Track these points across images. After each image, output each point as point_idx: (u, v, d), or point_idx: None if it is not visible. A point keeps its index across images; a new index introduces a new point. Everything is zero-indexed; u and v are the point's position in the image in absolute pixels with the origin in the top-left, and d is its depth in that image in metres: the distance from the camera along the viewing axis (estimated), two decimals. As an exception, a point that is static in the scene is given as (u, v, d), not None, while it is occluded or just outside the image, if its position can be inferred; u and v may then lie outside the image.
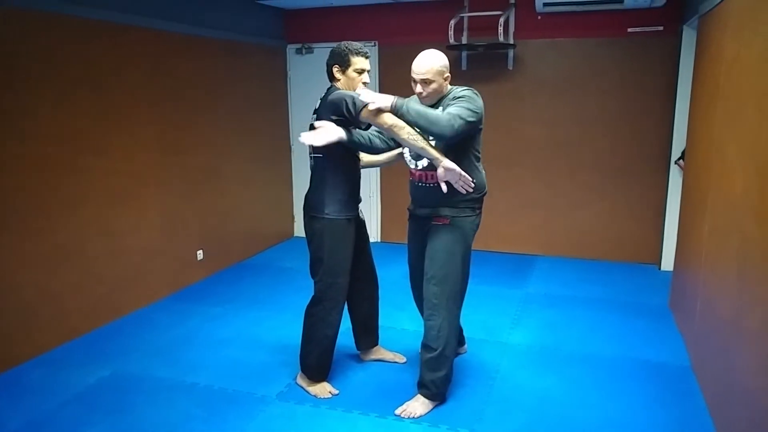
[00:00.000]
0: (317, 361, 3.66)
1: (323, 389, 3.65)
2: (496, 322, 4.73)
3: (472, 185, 3.18)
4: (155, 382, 3.83)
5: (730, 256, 3.04)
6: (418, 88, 3.26)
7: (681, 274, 4.60)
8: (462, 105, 3.16)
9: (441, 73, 3.23)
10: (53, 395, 3.66)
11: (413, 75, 3.25)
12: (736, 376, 2.83)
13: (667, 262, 5.82)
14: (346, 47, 3.39)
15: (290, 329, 4.53)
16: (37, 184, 4.08)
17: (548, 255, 6.58)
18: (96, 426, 3.33)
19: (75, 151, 4.34)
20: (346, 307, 3.81)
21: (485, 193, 3.44)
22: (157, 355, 4.21)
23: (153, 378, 3.88)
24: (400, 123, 3.15)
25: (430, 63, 3.21)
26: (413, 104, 3.17)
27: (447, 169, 3.12)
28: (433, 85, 3.23)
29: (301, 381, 3.73)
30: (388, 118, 3.15)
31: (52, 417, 3.43)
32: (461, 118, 3.09)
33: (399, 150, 3.60)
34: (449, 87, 3.35)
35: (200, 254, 5.78)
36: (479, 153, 3.38)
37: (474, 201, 3.37)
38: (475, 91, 3.28)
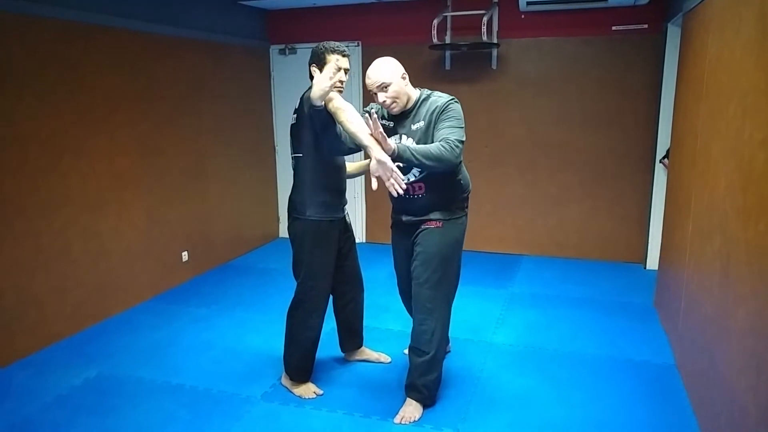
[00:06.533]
0: (299, 363, 3.64)
1: (308, 390, 3.63)
2: (481, 322, 4.73)
3: (404, 186, 2.97)
4: (140, 383, 3.80)
5: (714, 254, 3.05)
6: (381, 97, 3.21)
7: (665, 273, 4.61)
8: (453, 125, 3.12)
9: (396, 74, 3.18)
10: (36, 398, 3.62)
11: (370, 88, 3.22)
12: (720, 374, 2.84)
13: (652, 261, 5.85)
14: (323, 46, 3.35)
15: (275, 330, 4.51)
16: (17, 187, 4.03)
17: (533, 254, 6.59)
18: (78, 428, 3.30)
19: (55, 153, 4.29)
20: (331, 308, 3.79)
21: (470, 191, 3.45)
22: (142, 356, 4.18)
23: (138, 379, 3.85)
24: (343, 106, 3.08)
25: (381, 68, 3.19)
26: (415, 145, 3.08)
27: (380, 162, 2.92)
28: (393, 88, 3.17)
29: (286, 382, 3.71)
30: (337, 101, 3.11)
31: (34, 419, 3.39)
32: (460, 141, 3.08)
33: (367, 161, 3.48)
34: (423, 91, 3.31)
35: (185, 256, 5.74)
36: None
37: (463, 201, 3.37)
38: (455, 99, 3.25)
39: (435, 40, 6.07)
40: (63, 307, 4.44)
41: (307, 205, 3.40)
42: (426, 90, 3.34)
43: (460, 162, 3.26)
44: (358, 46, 6.65)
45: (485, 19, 5.84)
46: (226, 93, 6.28)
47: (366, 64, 6.43)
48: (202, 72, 5.86)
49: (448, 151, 3.02)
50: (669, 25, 5.38)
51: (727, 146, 2.94)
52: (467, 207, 3.43)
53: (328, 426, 3.32)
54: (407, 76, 3.26)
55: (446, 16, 6.24)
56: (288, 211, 3.54)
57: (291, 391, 3.65)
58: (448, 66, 6.44)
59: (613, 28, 5.89)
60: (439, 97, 3.25)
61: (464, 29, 6.22)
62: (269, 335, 4.46)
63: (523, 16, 6.08)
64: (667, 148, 5.43)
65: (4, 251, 3.98)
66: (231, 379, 3.84)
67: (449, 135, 3.08)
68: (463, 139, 3.12)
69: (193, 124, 5.77)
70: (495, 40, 6.16)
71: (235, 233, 6.63)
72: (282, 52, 6.97)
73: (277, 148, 7.23)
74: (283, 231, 7.32)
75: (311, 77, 3.40)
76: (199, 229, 5.96)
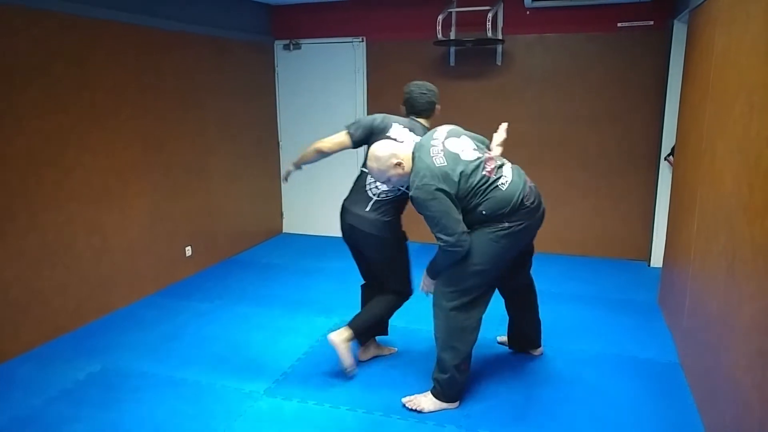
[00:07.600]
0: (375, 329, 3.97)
1: (367, 352, 4.00)
2: (483, 319, 4.70)
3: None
4: (144, 378, 3.80)
5: (719, 252, 3.03)
6: (384, 188, 3.54)
7: (670, 271, 4.60)
8: (431, 223, 3.15)
9: (388, 169, 3.23)
10: (40, 391, 3.63)
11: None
12: (724, 372, 2.83)
13: (657, 259, 5.83)
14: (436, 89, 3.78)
15: (278, 325, 4.52)
16: (22, 181, 4.04)
17: (536, 251, 6.55)
18: (82, 422, 3.30)
19: (60, 148, 4.29)
20: (358, 301, 4.02)
21: (510, 209, 3.21)
22: (146, 351, 4.18)
23: (141, 374, 3.85)
24: None
25: (375, 169, 3.27)
26: (431, 268, 3.37)
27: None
28: (392, 181, 3.30)
29: (338, 339, 3.67)
30: None
31: (38, 413, 3.40)
32: (448, 235, 3.10)
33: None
34: (414, 155, 3.26)
35: (188, 250, 5.74)
36: (478, 195, 3.17)
37: (498, 220, 3.21)
38: (420, 185, 3.12)
39: (440, 36, 6.05)
40: (67, 300, 4.45)
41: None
42: (415, 152, 3.26)
43: (476, 208, 3.19)
44: (362, 41, 6.63)
45: (490, 15, 5.82)
46: (231, 88, 6.27)
47: (370, 61, 6.51)
48: (206, 67, 5.86)
49: (450, 253, 3.17)
50: (675, 21, 5.36)
51: (734, 143, 2.93)
52: (509, 221, 3.24)
53: (330, 421, 3.32)
54: (401, 159, 3.22)
55: (451, 12, 6.21)
56: (385, 232, 3.66)
57: (338, 348, 3.64)
58: (452, 62, 6.43)
59: (619, 24, 5.87)
60: (413, 177, 3.18)
61: (469, 25, 6.21)
62: (272, 330, 4.46)
63: (528, 13, 6.07)
64: (672, 146, 5.41)
65: (9, 245, 3.99)
66: (234, 374, 3.85)
67: (438, 235, 3.14)
68: (449, 228, 3.09)
69: (198, 119, 5.77)
70: (500, 36, 6.14)
71: (239, 228, 6.63)
72: (286, 47, 6.96)
73: (281, 143, 7.21)
74: (286, 226, 7.33)
75: (430, 113, 3.84)
76: (203, 224, 5.96)
